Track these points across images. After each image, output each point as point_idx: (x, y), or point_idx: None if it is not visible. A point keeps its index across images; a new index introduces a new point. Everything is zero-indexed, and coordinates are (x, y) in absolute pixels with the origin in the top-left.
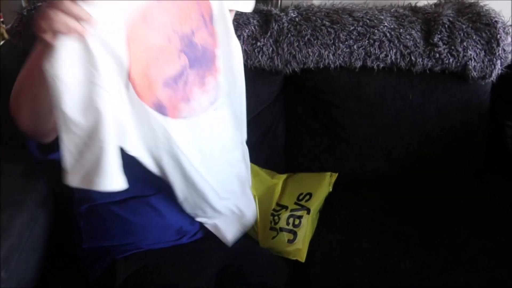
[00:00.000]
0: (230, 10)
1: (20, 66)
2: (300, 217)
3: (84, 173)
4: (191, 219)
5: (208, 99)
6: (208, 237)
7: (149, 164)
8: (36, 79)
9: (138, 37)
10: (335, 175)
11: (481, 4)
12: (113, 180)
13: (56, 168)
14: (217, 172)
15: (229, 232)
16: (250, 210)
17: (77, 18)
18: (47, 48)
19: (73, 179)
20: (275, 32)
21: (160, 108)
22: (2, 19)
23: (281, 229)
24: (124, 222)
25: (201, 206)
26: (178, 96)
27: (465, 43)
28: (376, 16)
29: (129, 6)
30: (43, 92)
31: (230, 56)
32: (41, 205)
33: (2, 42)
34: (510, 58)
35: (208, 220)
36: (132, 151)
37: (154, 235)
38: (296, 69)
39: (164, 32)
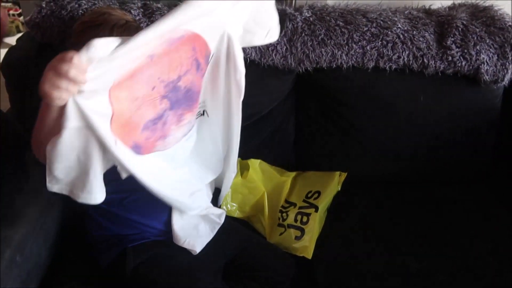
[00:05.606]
0: None
1: (36, 57)
2: (308, 214)
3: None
4: None
5: (182, 132)
6: (217, 231)
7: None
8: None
9: (121, 93)
10: (344, 175)
11: (496, 8)
12: (94, 196)
13: None
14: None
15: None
16: None
17: (73, 81)
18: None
19: (53, 187)
20: (289, 31)
21: (136, 149)
22: (18, 12)
23: (289, 226)
24: (123, 219)
25: None
26: (156, 135)
27: (478, 47)
28: (390, 17)
29: (121, 69)
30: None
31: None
32: (55, 193)
33: (20, 35)
34: None
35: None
36: None
37: (157, 229)
38: (309, 68)
39: (149, 82)
